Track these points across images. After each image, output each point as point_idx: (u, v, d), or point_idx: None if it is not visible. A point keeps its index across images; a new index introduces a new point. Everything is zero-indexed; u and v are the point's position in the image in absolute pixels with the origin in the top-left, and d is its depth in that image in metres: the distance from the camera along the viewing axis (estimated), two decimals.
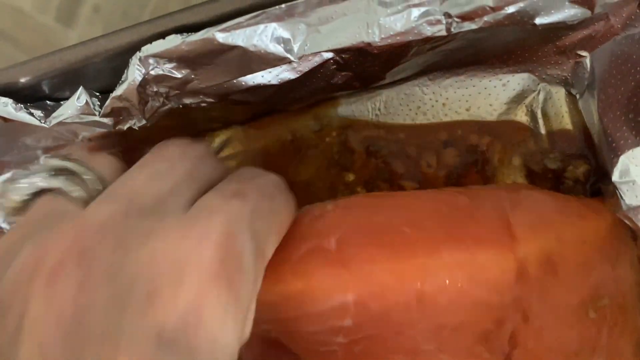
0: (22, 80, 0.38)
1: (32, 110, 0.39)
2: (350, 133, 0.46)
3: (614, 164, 0.37)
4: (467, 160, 0.44)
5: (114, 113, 0.38)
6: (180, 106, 0.39)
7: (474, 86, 0.44)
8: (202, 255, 0.26)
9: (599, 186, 0.42)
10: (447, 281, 0.33)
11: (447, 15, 0.33)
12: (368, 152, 0.45)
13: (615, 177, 0.37)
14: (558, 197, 0.39)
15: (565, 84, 0.44)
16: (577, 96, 0.43)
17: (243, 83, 0.38)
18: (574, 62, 0.42)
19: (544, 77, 0.44)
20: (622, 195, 0.37)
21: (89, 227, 0.27)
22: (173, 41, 0.34)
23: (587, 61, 0.41)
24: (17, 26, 0.59)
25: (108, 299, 0.25)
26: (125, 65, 0.36)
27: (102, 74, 0.38)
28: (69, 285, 0.25)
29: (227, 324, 0.26)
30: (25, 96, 0.39)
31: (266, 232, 0.30)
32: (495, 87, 0.44)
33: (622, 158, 0.37)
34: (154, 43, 0.35)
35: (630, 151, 0.36)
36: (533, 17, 0.34)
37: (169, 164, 0.31)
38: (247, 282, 0.27)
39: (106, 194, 0.30)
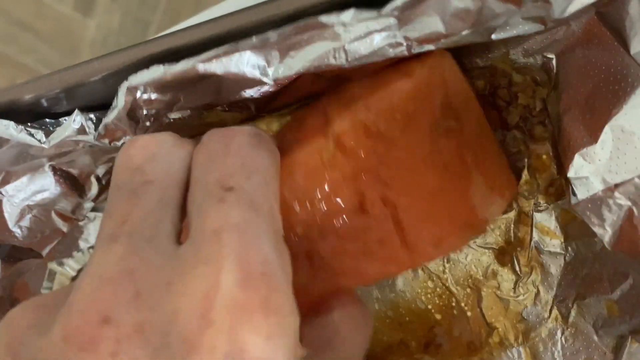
0: (24, 98, 0.40)
1: (32, 131, 0.41)
2: None
3: (569, 161, 0.39)
4: None
5: (108, 135, 0.40)
6: (171, 120, 0.41)
7: None
8: (223, 289, 0.24)
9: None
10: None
11: (407, 38, 0.34)
12: None
13: (570, 174, 0.39)
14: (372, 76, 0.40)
15: (536, 84, 0.45)
16: (545, 98, 0.45)
17: (226, 99, 0.40)
18: (542, 63, 0.43)
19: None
20: (575, 190, 0.39)
21: (106, 289, 0.25)
22: (156, 71, 0.36)
23: (554, 63, 0.42)
24: (37, 16, 0.59)
25: (147, 358, 0.24)
26: (119, 83, 0.38)
27: (97, 91, 0.40)
28: (102, 354, 0.24)
29: (276, 349, 0.24)
30: (26, 112, 0.41)
31: (267, 204, 0.28)
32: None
33: (577, 156, 0.38)
34: (138, 73, 0.36)
35: (585, 149, 0.38)
36: (489, 35, 0.35)
37: (141, 175, 0.29)
38: (283, 290, 0.25)
39: (103, 236, 0.27)
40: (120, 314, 0.24)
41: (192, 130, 0.47)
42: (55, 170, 0.47)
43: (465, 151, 0.39)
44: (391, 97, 0.38)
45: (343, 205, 0.37)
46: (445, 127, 0.39)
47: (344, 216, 0.37)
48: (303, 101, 0.45)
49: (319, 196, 0.37)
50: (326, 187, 0.36)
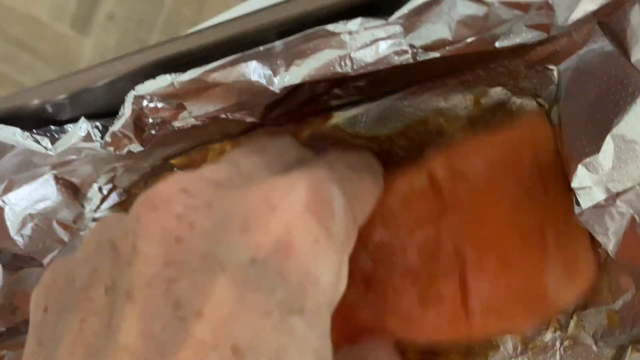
0: (29, 105, 0.40)
1: (38, 138, 0.41)
2: None
3: (572, 171, 0.39)
4: None
5: (114, 143, 0.40)
6: (176, 129, 0.41)
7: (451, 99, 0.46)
8: (293, 193, 0.27)
9: None
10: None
11: (412, 46, 0.34)
12: None
13: (574, 184, 0.39)
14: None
15: (536, 95, 0.45)
16: (546, 107, 0.45)
17: (231, 108, 0.40)
18: (542, 75, 0.44)
19: (515, 90, 0.45)
20: (579, 199, 0.39)
21: (194, 177, 0.28)
22: (163, 81, 0.36)
23: (555, 74, 0.43)
24: (34, 35, 0.59)
25: (206, 227, 0.26)
26: (122, 89, 0.39)
27: (101, 97, 0.41)
28: (170, 212, 0.26)
29: (318, 258, 0.26)
30: (31, 119, 0.41)
31: (355, 195, 0.31)
32: (470, 100, 0.46)
33: (580, 166, 0.38)
34: (145, 83, 0.37)
35: (588, 159, 0.38)
36: (493, 42, 0.36)
37: (261, 144, 0.34)
38: (338, 230, 0.28)
39: (219, 163, 0.32)
40: (199, 190, 0.28)
41: (196, 138, 0.47)
42: (57, 179, 0.47)
43: (547, 224, 0.40)
44: (481, 148, 0.39)
45: (418, 241, 0.37)
46: (530, 188, 0.40)
47: (416, 252, 0.37)
48: (305, 108, 0.45)
49: (400, 222, 0.37)
50: (409, 214, 0.37)
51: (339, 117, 0.47)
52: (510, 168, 0.39)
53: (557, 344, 0.47)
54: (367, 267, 0.37)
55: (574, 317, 0.46)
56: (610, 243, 0.39)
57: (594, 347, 0.45)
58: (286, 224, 0.26)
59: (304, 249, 0.26)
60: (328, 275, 0.27)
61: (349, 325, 0.36)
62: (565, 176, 0.42)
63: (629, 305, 0.42)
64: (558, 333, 0.47)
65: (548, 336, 0.47)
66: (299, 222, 0.26)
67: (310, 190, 0.27)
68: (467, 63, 0.43)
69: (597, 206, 0.38)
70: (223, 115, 0.41)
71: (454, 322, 0.38)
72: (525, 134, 0.40)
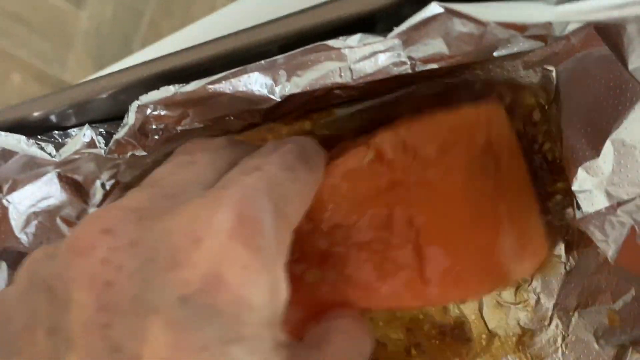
0: (34, 115, 0.41)
1: (43, 145, 0.41)
2: None
3: (573, 174, 0.39)
4: None
5: (117, 150, 0.41)
6: (179, 131, 0.41)
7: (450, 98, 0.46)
8: (216, 219, 0.26)
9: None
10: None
11: (411, 58, 0.35)
12: None
13: (574, 187, 0.39)
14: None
15: (535, 95, 0.45)
16: (546, 107, 0.45)
17: (233, 112, 0.40)
18: (541, 75, 0.44)
19: (515, 89, 0.45)
20: (580, 203, 0.39)
21: (114, 212, 0.28)
22: (167, 91, 0.37)
23: (553, 75, 0.43)
24: (29, 8, 0.59)
25: (133, 268, 0.26)
26: (125, 99, 0.39)
27: (104, 107, 0.41)
28: (95, 257, 0.26)
29: (249, 282, 0.26)
30: (35, 127, 0.42)
31: (287, 197, 0.30)
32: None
33: (580, 169, 0.39)
34: (149, 93, 0.37)
35: (588, 162, 0.38)
36: (491, 52, 0.36)
37: (190, 157, 0.33)
38: (268, 245, 0.27)
39: (137, 187, 0.31)
40: (121, 227, 0.27)
41: (198, 135, 0.47)
42: (60, 177, 0.47)
43: (499, 200, 0.40)
44: (433, 125, 0.39)
45: (370, 215, 0.37)
46: (483, 166, 0.40)
47: (369, 226, 0.37)
48: (306, 106, 0.45)
49: (351, 199, 0.37)
50: (360, 191, 0.37)
51: (339, 114, 0.48)
52: (462, 146, 0.39)
53: (559, 340, 0.47)
54: (323, 247, 0.37)
55: (575, 315, 0.46)
56: (609, 250, 0.39)
57: (595, 345, 0.45)
58: (212, 257, 0.26)
59: (234, 278, 0.26)
60: (262, 295, 0.27)
61: (313, 304, 0.37)
62: (519, 157, 0.42)
63: (629, 306, 0.42)
64: (560, 330, 0.47)
65: (550, 333, 0.47)
66: (225, 252, 0.26)
67: (235, 210, 0.27)
68: (465, 63, 0.43)
69: (598, 213, 0.39)
70: (226, 118, 0.42)
71: (412, 289, 0.38)
72: (480, 115, 0.40)
